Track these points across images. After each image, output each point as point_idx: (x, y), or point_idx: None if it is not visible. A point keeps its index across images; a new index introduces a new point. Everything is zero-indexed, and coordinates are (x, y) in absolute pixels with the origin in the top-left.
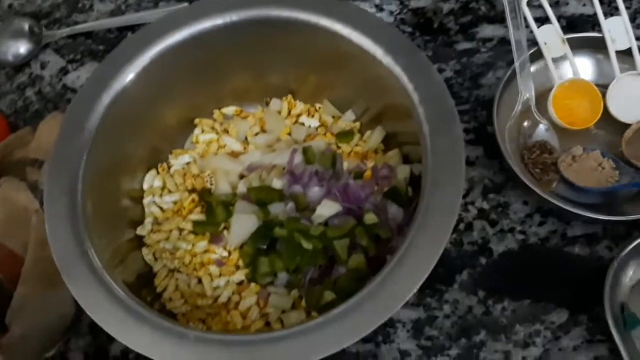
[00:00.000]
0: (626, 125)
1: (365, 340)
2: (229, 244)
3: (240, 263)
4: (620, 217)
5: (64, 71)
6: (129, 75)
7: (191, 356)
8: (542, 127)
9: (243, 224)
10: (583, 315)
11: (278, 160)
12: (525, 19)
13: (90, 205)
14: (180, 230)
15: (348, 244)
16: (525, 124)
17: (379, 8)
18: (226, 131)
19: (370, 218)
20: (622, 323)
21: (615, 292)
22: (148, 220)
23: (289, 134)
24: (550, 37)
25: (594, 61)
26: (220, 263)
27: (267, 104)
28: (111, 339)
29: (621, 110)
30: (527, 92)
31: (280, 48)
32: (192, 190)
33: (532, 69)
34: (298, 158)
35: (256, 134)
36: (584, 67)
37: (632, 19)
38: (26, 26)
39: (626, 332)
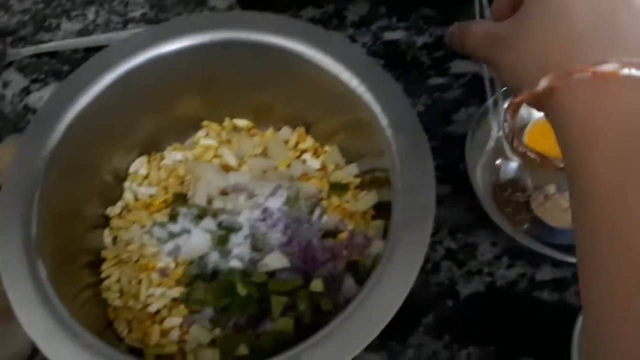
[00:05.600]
0: None
1: None
2: (179, 256)
3: (182, 280)
4: None
5: (26, 91)
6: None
7: None
8: (514, 164)
9: (200, 241)
10: None
11: (261, 191)
12: None
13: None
14: (142, 226)
15: (285, 302)
16: (498, 161)
17: (352, 39)
18: (228, 142)
19: (316, 285)
20: None
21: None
22: (119, 204)
23: (288, 165)
24: None
25: None
26: (164, 273)
27: (279, 129)
28: None
29: None
30: (499, 129)
31: (300, 79)
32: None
33: (506, 105)
34: (279, 196)
35: (256, 156)
36: None
37: None
38: None
39: None
